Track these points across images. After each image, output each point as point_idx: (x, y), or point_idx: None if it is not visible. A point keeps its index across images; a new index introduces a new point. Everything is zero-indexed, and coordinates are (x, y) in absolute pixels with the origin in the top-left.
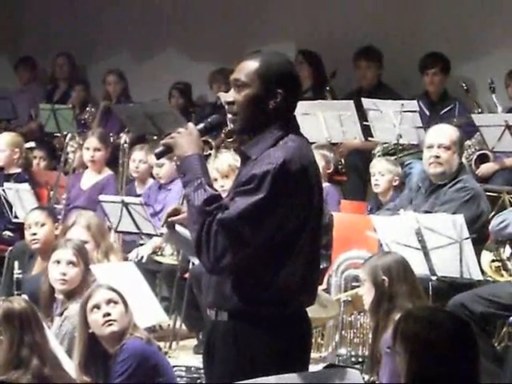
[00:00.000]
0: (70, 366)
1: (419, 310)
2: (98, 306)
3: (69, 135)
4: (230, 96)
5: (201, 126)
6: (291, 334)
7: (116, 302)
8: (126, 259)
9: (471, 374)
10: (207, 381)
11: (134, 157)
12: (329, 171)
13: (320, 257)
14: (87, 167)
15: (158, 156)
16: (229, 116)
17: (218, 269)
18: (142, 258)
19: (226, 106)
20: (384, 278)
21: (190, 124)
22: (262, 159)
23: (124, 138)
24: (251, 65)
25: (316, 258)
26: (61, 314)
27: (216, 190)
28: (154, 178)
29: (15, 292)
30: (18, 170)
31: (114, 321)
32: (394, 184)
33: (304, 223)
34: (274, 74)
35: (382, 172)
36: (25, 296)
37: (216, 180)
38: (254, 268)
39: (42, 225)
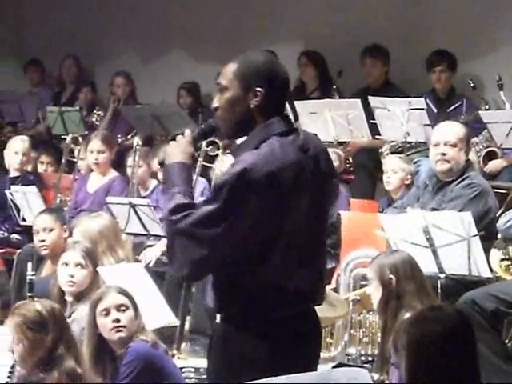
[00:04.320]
0: None
1: (410, 318)
2: (107, 311)
3: (69, 136)
4: (215, 102)
5: (195, 132)
6: (291, 335)
7: (126, 308)
8: (136, 261)
9: (472, 369)
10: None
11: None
12: (340, 170)
13: (322, 256)
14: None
15: (161, 164)
16: (217, 121)
17: (181, 278)
18: (150, 262)
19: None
20: (391, 276)
21: (187, 130)
22: (231, 166)
23: (136, 140)
24: (230, 67)
25: (313, 257)
26: (69, 317)
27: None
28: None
29: (28, 294)
30: (24, 173)
31: (123, 327)
32: (406, 182)
33: (280, 227)
34: (251, 73)
35: (394, 169)
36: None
37: None
38: (239, 274)
39: (51, 230)
